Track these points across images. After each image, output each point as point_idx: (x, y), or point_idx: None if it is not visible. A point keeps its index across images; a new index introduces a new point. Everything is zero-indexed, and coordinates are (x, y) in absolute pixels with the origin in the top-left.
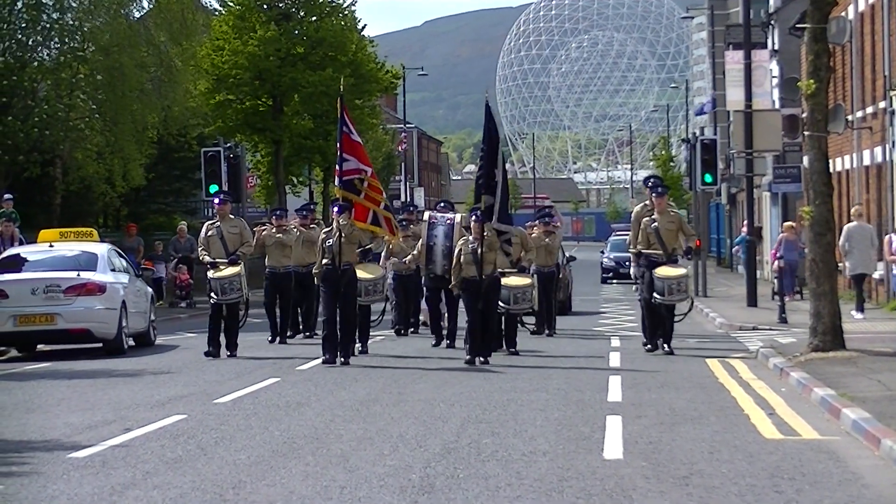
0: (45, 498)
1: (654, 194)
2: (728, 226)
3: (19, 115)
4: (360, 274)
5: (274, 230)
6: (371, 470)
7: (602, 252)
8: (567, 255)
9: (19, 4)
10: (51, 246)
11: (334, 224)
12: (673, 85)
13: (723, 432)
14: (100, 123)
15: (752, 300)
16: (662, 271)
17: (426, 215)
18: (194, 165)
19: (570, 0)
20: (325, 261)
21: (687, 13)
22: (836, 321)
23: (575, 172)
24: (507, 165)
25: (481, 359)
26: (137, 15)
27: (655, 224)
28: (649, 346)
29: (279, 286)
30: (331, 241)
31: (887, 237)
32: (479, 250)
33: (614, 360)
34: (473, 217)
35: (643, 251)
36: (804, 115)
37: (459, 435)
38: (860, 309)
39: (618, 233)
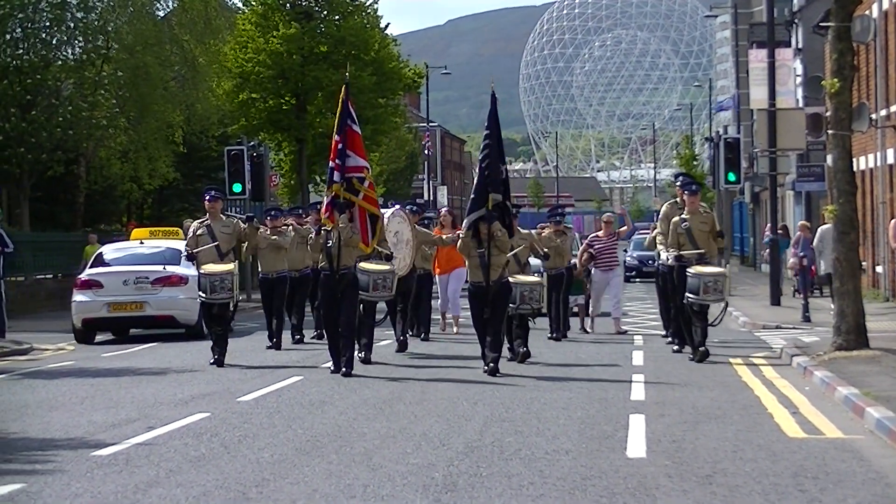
0: (68, 496)
1: (686, 192)
2: (752, 225)
3: (43, 114)
4: (370, 267)
5: (268, 232)
6: (394, 468)
7: (625, 251)
8: None
9: (43, 3)
10: (141, 243)
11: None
12: (696, 83)
13: (746, 431)
14: (123, 122)
15: (776, 299)
16: (697, 268)
17: (387, 213)
18: (218, 164)
19: None
20: (322, 265)
21: (710, 11)
22: (860, 320)
23: (598, 171)
24: (531, 164)
25: (486, 368)
26: (161, 14)
27: (687, 224)
28: (676, 347)
29: (272, 291)
30: (329, 243)
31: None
32: (487, 254)
33: (637, 358)
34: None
35: (672, 253)
36: (828, 113)
37: (482, 433)
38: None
39: (640, 231)
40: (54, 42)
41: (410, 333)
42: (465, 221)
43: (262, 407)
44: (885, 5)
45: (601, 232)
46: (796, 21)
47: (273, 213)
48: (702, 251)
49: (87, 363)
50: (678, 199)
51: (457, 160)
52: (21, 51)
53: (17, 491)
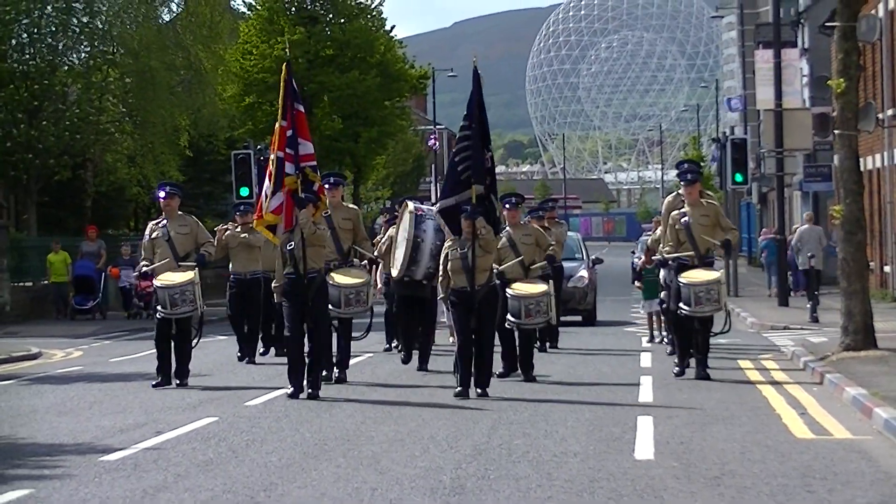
0: (76, 501)
1: (682, 182)
2: (759, 225)
3: (50, 119)
4: (340, 279)
5: (238, 229)
6: (402, 471)
7: (633, 252)
8: (593, 256)
9: (49, 8)
10: None
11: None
12: (703, 84)
13: (754, 432)
14: (130, 126)
15: (784, 299)
16: (689, 276)
17: (411, 206)
18: (224, 168)
19: (600, 0)
20: (286, 270)
21: (716, 12)
22: (868, 320)
23: (605, 173)
24: (538, 166)
25: (478, 391)
26: (167, 18)
27: (686, 219)
28: (678, 368)
29: (246, 295)
30: (291, 244)
31: None
32: (471, 255)
33: (645, 360)
34: (463, 213)
35: (668, 255)
36: (834, 113)
37: (490, 436)
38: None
39: (647, 233)
40: (60, 47)
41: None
42: (436, 206)
43: (269, 411)
44: (891, 4)
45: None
46: (802, 21)
47: (242, 207)
48: (691, 254)
49: (96, 368)
50: (681, 191)
51: None
52: (27, 56)
53: (25, 496)
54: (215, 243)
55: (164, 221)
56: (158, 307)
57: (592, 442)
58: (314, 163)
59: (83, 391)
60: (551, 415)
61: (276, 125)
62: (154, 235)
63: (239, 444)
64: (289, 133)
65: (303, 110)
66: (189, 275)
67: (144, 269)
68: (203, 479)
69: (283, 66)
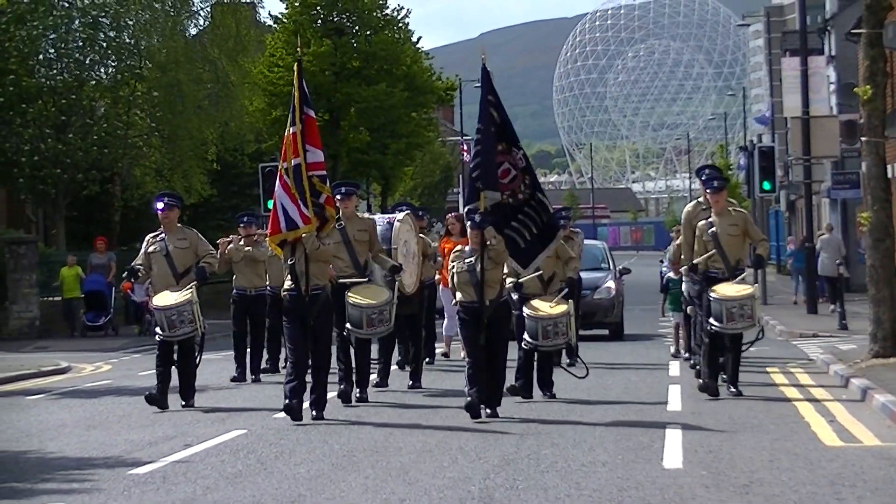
0: None
1: (708, 190)
2: (787, 232)
3: (78, 133)
4: (361, 299)
5: (241, 242)
6: (430, 482)
7: (661, 261)
8: (620, 266)
9: (76, 24)
10: None
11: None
12: (730, 93)
13: (783, 440)
14: (158, 140)
15: (812, 307)
16: (721, 290)
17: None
18: (252, 181)
19: (626, 9)
20: (288, 284)
21: (743, 20)
22: None
23: (633, 182)
24: (565, 176)
25: (488, 411)
26: (193, 32)
27: (714, 229)
28: (709, 388)
29: (250, 312)
30: (291, 259)
31: None
32: (480, 267)
33: (674, 369)
34: (470, 222)
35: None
36: (861, 120)
37: (518, 446)
38: (833, 302)
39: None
40: (88, 62)
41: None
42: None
43: (298, 423)
44: None
45: None
46: (829, 28)
47: (246, 219)
48: (721, 267)
49: (125, 382)
50: (702, 199)
51: None
52: (55, 71)
53: None
54: (218, 257)
55: (163, 235)
56: (157, 329)
57: (621, 451)
58: (323, 172)
59: (112, 405)
60: (579, 424)
61: (287, 131)
62: (151, 250)
63: (268, 456)
64: (298, 137)
65: (313, 115)
66: (186, 295)
67: (136, 268)
68: (232, 491)
69: (295, 66)
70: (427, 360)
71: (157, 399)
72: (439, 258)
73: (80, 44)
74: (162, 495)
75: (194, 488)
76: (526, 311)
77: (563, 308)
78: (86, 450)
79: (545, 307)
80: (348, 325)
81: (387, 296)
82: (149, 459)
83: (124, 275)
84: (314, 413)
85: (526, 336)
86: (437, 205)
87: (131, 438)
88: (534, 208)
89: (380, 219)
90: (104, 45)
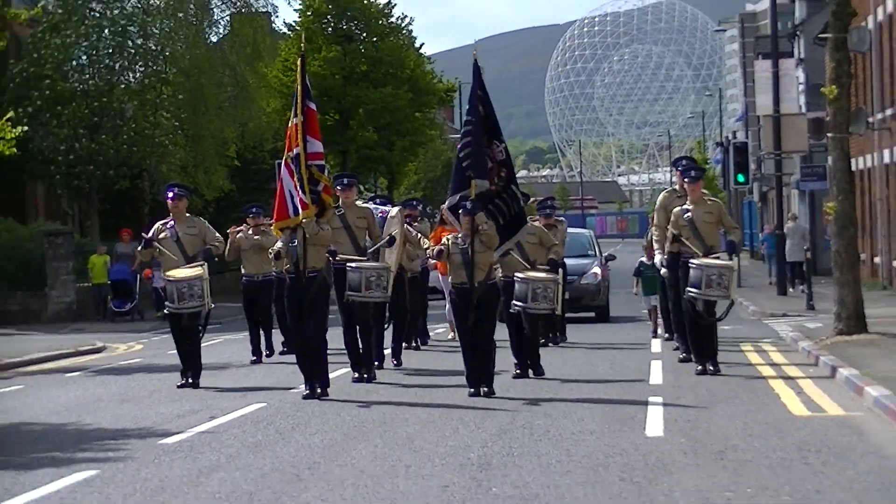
0: (138, 480)
1: (686, 179)
2: (760, 221)
3: (109, 134)
4: (360, 263)
5: (250, 231)
6: (434, 450)
7: (643, 247)
8: (606, 253)
9: (106, 32)
10: None
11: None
12: (707, 93)
13: (755, 411)
14: (182, 139)
15: (782, 289)
16: (702, 259)
17: (394, 211)
18: (270, 176)
19: (612, 17)
20: (286, 267)
21: (719, 26)
22: (859, 307)
23: (619, 175)
24: (557, 170)
25: (483, 389)
26: (214, 39)
27: (690, 215)
28: (683, 354)
29: (257, 297)
30: (294, 241)
31: None
32: (471, 250)
33: (655, 346)
34: (462, 209)
35: (671, 249)
36: (828, 118)
37: (514, 417)
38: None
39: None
40: (117, 67)
41: (409, 346)
42: (446, 204)
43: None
44: (880, 17)
45: None
46: (799, 33)
47: (255, 210)
48: (695, 251)
49: (155, 360)
50: (677, 187)
51: None
52: (87, 76)
53: (92, 477)
54: (227, 245)
55: (172, 222)
56: (167, 302)
57: (607, 421)
58: (322, 162)
59: (144, 381)
60: (569, 397)
61: (291, 122)
62: (162, 235)
63: (285, 427)
64: (300, 129)
65: (314, 108)
66: (198, 270)
67: (147, 238)
68: (253, 458)
69: (298, 61)
70: (415, 345)
71: (189, 383)
72: (425, 243)
73: (110, 51)
74: (189, 463)
75: (218, 456)
76: (517, 275)
77: (551, 275)
78: (120, 422)
79: (534, 273)
80: (348, 291)
81: (385, 264)
82: (177, 430)
83: (139, 248)
84: (320, 391)
85: (514, 301)
86: (438, 197)
87: (161, 411)
88: (505, 200)
89: (373, 208)
90: (132, 51)
